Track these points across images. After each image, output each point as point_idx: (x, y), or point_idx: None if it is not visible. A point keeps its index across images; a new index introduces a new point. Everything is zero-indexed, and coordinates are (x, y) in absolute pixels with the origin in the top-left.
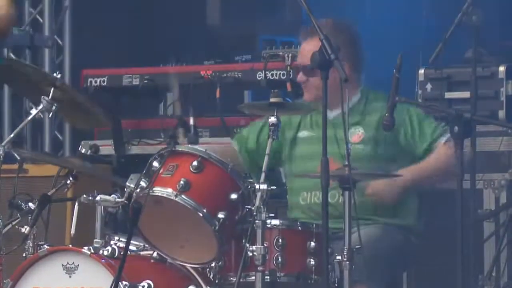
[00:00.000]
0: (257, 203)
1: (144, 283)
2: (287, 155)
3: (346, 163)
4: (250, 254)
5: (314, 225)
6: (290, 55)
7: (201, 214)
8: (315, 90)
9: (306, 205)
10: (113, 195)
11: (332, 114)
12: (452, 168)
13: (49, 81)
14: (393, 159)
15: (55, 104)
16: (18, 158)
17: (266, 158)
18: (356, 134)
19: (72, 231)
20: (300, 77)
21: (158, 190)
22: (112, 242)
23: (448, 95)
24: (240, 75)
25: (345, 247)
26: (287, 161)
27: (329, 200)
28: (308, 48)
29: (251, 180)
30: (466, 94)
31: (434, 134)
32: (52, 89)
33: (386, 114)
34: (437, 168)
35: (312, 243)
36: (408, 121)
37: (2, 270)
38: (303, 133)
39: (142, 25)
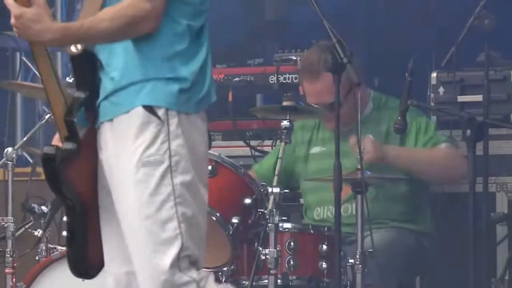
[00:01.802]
0: (270, 206)
1: None
2: (300, 172)
3: (359, 167)
4: (263, 257)
5: (326, 228)
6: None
7: (214, 218)
8: (348, 112)
9: (320, 220)
10: None
11: (345, 128)
12: (440, 170)
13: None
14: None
15: None
16: (31, 161)
17: (278, 162)
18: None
19: None
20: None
21: None
22: None
23: (461, 98)
24: (252, 79)
25: (358, 251)
26: (301, 178)
27: (342, 213)
28: (314, 90)
29: (264, 184)
30: (478, 98)
31: (438, 139)
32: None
33: (399, 118)
34: (429, 160)
35: (324, 246)
36: (415, 129)
37: (15, 273)
38: (315, 149)
39: None
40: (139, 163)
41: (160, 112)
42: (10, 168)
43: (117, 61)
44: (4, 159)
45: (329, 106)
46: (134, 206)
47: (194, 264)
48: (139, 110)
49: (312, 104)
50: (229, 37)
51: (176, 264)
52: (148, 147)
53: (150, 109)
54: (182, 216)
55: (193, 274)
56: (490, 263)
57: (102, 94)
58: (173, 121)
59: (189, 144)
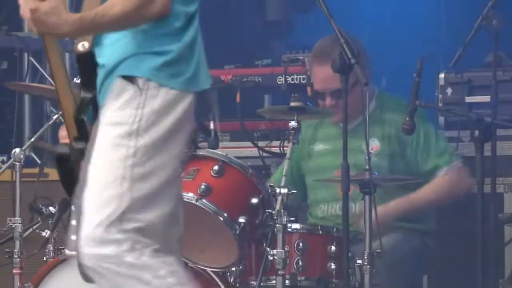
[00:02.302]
0: (277, 207)
1: None
2: (305, 169)
3: (367, 167)
4: (271, 258)
5: (335, 229)
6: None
7: (222, 219)
8: (354, 108)
9: (324, 217)
10: None
11: (349, 125)
12: (448, 198)
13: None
14: (403, 172)
15: None
16: (39, 162)
17: (286, 162)
18: (372, 146)
19: None
20: (330, 101)
21: None
22: None
23: (469, 99)
24: (260, 80)
25: (366, 251)
26: (306, 175)
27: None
28: (323, 74)
29: (272, 184)
30: (486, 98)
31: (439, 159)
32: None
33: (407, 118)
34: (433, 197)
35: (333, 247)
36: (416, 137)
37: (23, 274)
38: (318, 146)
39: None
40: (106, 123)
41: (140, 82)
42: (18, 169)
43: (107, 49)
44: (12, 159)
45: (336, 93)
46: (92, 161)
47: (140, 231)
48: (118, 80)
49: (319, 91)
50: (237, 38)
51: (114, 224)
52: (117, 109)
53: (129, 78)
54: (133, 180)
55: (132, 236)
56: (498, 263)
57: (98, 85)
58: (152, 92)
59: (166, 117)
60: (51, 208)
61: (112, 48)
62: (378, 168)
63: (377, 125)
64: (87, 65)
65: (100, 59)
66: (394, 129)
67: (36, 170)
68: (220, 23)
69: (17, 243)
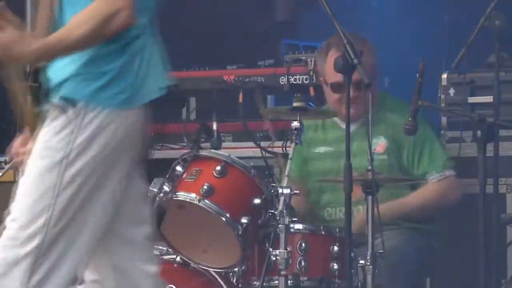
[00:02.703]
0: (280, 207)
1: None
2: (307, 171)
3: (369, 167)
4: (273, 258)
5: (337, 229)
6: (313, 59)
7: (224, 219)
8: (364, 105)
9: (332, 221)
10: None
11: (352, 126)
12: (434, 207)
13: None
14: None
15: None
16: None
17: (289, 162)
18: (380, 144)
19: None
20: (353, 92)
21: (182, 195)
22: None
23: (471, 99)
24: (263, 80)
25: (368, 252)
26: (307, 177)
27: (355, 214)
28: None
29: (274, 185)
30: (489, 99)
31: (430, 165)
32: None
33: (409, 119)
34: (415, 206)
35: (335, 248)
36: (412, 140)
37: None
38: (320, 149)
39: (165, 30)
40: (39, 148)
41: (78, 105)
42: (19, 170)
43: (56, 63)
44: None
45: (358, 83)
46: (21, 183)
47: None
48: (59, 100)
49: (340, 82)
50: (239, 39)
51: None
52: (52, 134)
53: (68, 100)
54: (58, 211)
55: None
56: (501, 264)
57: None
58: (89, 115)
59: (107, 140)
60: None
61: (60, 63)
62: (387, 166)
63: (382, 124)
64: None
65: (49, 71)
66: (392, 131)
67: None
68: (223, 24)
69: None
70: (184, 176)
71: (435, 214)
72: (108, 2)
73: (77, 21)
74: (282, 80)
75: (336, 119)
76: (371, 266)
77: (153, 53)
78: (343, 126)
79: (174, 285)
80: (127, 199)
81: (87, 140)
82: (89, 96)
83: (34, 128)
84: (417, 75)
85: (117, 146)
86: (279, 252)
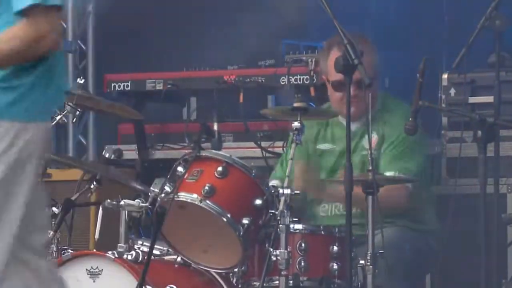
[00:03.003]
0: (280, 207)
1: None
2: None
3: (370, 168)
4: (274, 258)
5: (337, 229)
6: (313, 60)
7: (225, 220)
8: (365, 104)
9: (327, 217)
10: (137, 200)
11: (354, 125)
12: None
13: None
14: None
15: (79, 110)
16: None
17: (289, 163)
18: (373, 140)
19: (96, 236)
20: (353, 91)
21: (183, 195)
22: (136, 247)
23: (472, 99)
24: (263, 80)
25: (368, 252)
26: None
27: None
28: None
29: (275, 185)
30: (489, 99)
31: (389, 165)
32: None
33: (410, 119)
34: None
35: (335, 247)
36: (394, 138)
37: None
38: (324, 146)
39: (165, 30)
40: None
41: None
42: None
43: None
44: None
45: (360, 82)
46: None
47: None
48: None
49: (341, 80)
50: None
51: None
52: None
53: None
54: None
55: None
56: (501, 264)
57: None
58: (2, 128)
59: (19, 151)
60: (54, 209)
61: None
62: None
63: (379, 122)
64: None
65: None
66: (382, 126)
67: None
68: (224, 24)
69: None
70: (185, 176)
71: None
72: (35, 26)
73: (3, 37)
74: (283, 80)
75: (340, 117)
76: (371, 266)
77: (62, 66)
78: (344, 122)
79: (174, 285)
80: (32, 205)
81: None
82: (1, 109)
83: None
84: (418, 75)
85: (28, 156)
86: (280, 252)
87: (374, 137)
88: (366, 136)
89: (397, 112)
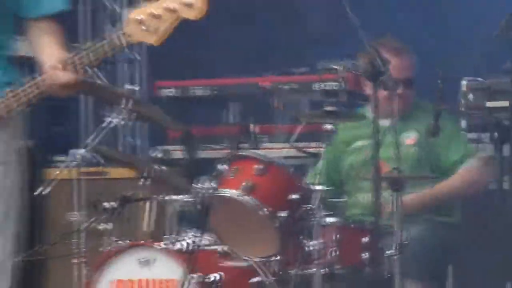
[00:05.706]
0: (315, 202)
1: (215, 275)
2: (344, 164)
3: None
4: (309, 249)
5: (367, 222)
6: (344, 66)
7: (264, 214)
8: (403, 102)
9: (365, 204)
10: (180, 196)
11: (387, 122)
12: (468, 190)
13: (121, 95)
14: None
15: (134, 113)
16: (102, 161)
17: (321, 163)
18: (410, 138)
19: (147, 228)
20: (401, 90)
21: (225, 192)
22: (184, 237)
23: (489, 104)
24: (297, 86)
25: (396, 243)
26: (348, 169)
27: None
28: (397, 62)
29: (309, 182)
30: (506, 103)
31: (458, 154)
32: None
33: (432, 122)
34: (450, 192)
35: (366, 239)
36: (447, 139)
37: (85, 264)
38: (357, 144)
39: (208, 41)
40: None
41: None
42: (80, 168)
43: None
44: (77, 160)
45: (408, 81)
46: None
47: None
48: None
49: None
50: (276, 46)
51: None
52: None
53: None
54: None
55: None
56: None
57: None
58: None
59: None
60: (111, 204)
61: None
62: (416, 158)
63: (415, 120)
64: None
65: None
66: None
67: (95, 169)
68: (260, 35)
69: (79, 236)
70: (227, 174)
71: (458, 203)
72: None
73: None
74: (315, 86)
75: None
76: (398, 256)
77: None
78: (381, 122)
79: (220, 272)
80: None
81: None
82: None
83: None
84: (439, 81)
85: None
86: (314, 243)
87: (414, 135)
88: (404, 134)
89: (430, 111)
